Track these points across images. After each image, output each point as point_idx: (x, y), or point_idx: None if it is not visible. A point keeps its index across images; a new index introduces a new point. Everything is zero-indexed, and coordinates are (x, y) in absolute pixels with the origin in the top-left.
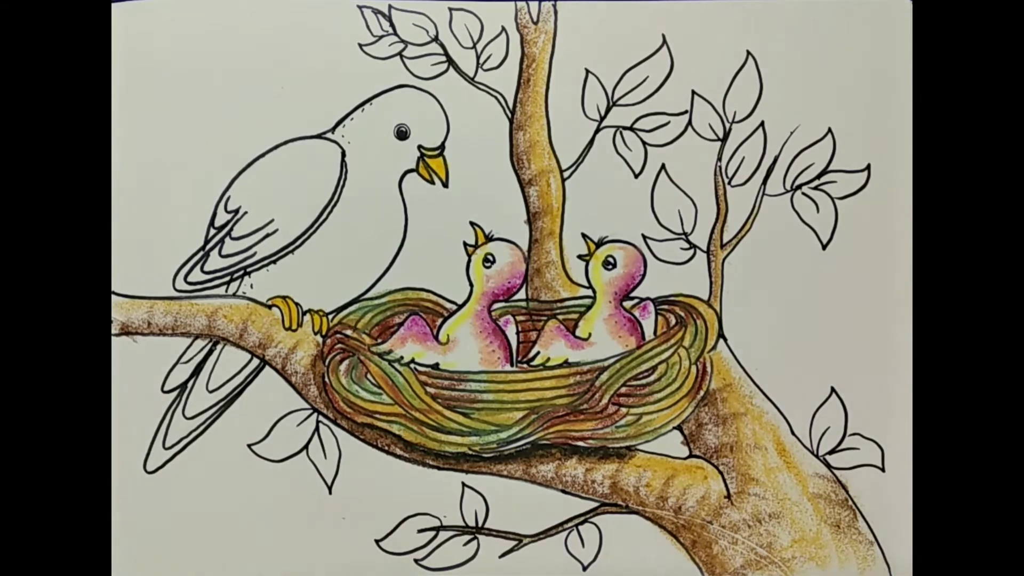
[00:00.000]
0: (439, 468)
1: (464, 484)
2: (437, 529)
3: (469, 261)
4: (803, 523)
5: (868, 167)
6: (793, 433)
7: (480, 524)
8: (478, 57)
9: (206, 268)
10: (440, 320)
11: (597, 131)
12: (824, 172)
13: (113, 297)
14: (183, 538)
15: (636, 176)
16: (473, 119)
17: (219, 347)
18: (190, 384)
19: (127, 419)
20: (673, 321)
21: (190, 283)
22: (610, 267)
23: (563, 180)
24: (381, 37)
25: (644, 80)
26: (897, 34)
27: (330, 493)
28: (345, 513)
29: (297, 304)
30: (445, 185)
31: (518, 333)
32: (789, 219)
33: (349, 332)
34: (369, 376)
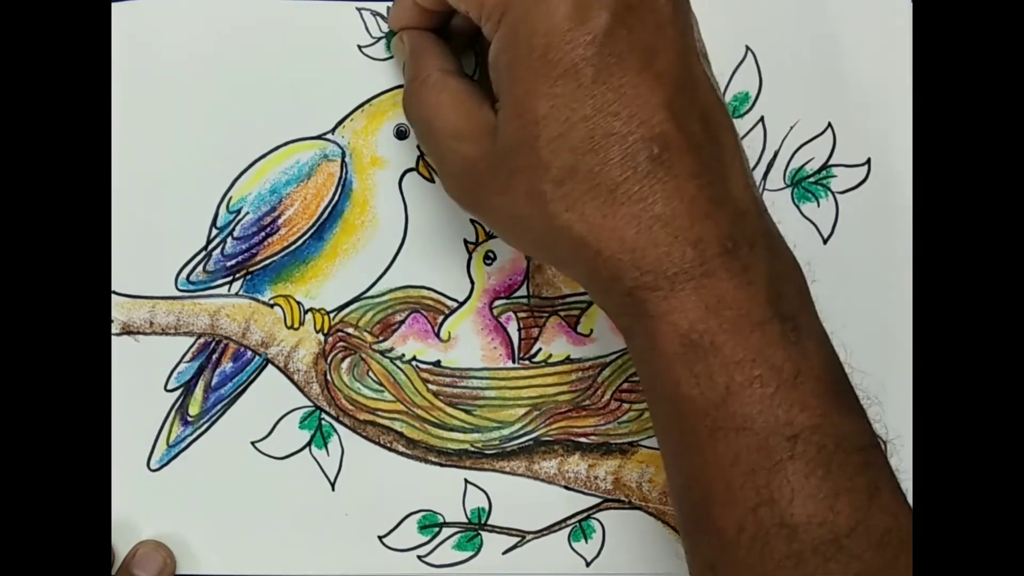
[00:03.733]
0: (441, 465)
1: (467, 481)
2: (440, 526)
3: (470, 258)
4: None
5: (868, 161)
6: None
7: (483, 521)
8: (477, 55)
9: (208, 268)
10: (441, 317)
11: None
12: (824, 167)
13: (115, 297)
14: (186, 535)
15: None
16: None
17: (222, 346)
18: (193, 383)
19: (130, 418)
20: None
21: (192, 283)
22: None
23: None
24: (380, 39)
25: None
26: (897, 27)
27: (333, 490)
28: (348, 510)
29: (299, 303)
30: None
31: (520, 330)
32: (790, 214)
33: (350, 330)
34: (371, 374)
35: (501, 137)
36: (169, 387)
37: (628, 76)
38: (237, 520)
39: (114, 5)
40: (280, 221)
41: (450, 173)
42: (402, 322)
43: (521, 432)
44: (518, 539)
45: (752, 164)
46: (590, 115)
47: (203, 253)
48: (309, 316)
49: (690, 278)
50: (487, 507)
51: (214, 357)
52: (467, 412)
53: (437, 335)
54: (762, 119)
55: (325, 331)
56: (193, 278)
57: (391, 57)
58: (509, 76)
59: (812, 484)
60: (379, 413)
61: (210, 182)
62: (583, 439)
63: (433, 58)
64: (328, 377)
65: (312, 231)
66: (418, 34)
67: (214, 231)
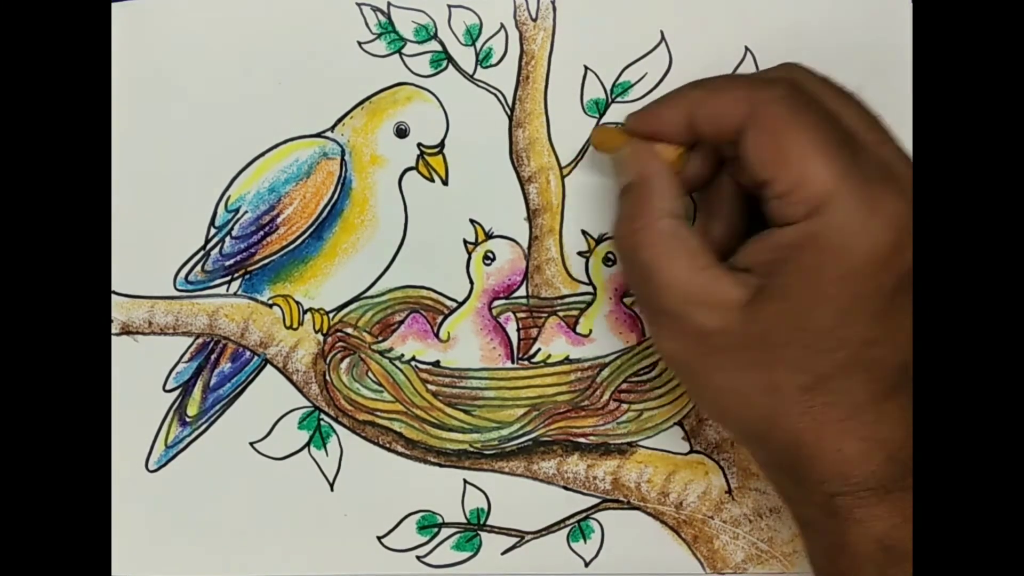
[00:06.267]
0: (440, 465)
1: (466, 481)
2: (439, 526)
3: (469, 259)
4: None
5: None
6: None
7: (482, 521)
8: (477, 54)
9: (206, 268)
10: (440, 318)
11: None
12: None
13: (114, 297)
14: (185, 536)
15: None
16: (472, 116)
17: (220, 346)
18: (191, 383)
19: (128, 419)
20: None
21: (191, 282)
22: (610, 264)
23: (563, 177)
24: (380, 35)
25: (643, 76)
26: (897, 27)
27: (332, 490)
28: (347, 510)
29: (298, 303)
30: (445, 183)
31: (519, 330)
32: None
33: (350, 330)
34: (370, 374)
35: (759, 323)
36: (167, 387)
37: (905, 313)
38: (235, 521)
39: (114, 5)
40: (279, 220)
41: (670, 333)
42: (401, 322)
43: (520, 432)
44: (517, 539)
45: None
46: (870, 340)
47: (201, 253)
48: (308, 316)
49: (890, 491)
50: (486, 507)
51: (212, 357)
52: (466, 412)
53: (436, 335)
54: None
55: (324, 331)
56: (192, 278)
57: (391, 54)
58: (801, 276)
59: None
60: (378, 413)
61: (208, 181)
62: (582, 439)
63: (664, 199)
64: (327, 377)
65: (311, 230)
66: (653, 163)
67: (212, 230)
